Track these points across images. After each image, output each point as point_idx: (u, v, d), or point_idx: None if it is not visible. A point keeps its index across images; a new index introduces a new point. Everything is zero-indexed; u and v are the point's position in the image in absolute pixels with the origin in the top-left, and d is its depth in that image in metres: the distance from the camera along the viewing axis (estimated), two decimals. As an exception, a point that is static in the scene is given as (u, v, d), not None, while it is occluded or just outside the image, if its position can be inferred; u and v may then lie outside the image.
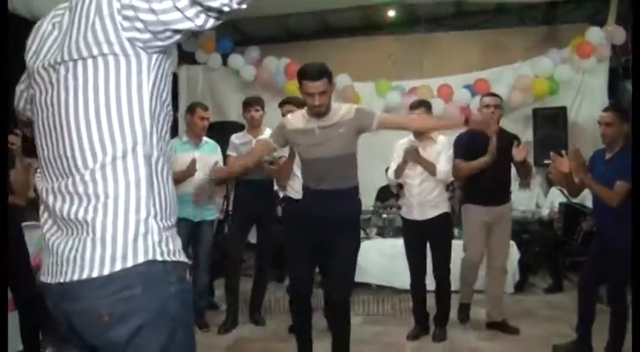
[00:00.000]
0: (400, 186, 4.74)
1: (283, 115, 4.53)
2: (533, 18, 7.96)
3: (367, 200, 6.18)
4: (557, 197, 6.24)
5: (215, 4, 1.19)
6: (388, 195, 6.80)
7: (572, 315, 4.10)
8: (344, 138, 3.31)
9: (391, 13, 7.65)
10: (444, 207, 4.42)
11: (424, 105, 4.45)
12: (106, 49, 1.25)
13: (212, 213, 4.85)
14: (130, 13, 1.23)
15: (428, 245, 4.48)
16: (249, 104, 4.78)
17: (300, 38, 8.43)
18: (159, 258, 1.28)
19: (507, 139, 4.38)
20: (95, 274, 1.23)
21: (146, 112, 1.30)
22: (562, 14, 7.77)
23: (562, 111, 6.93)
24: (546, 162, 5.86)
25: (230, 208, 5.50)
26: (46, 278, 1.33)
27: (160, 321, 1.28)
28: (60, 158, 1.30)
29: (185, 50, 8.15)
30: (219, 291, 5.47)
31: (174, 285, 1.31)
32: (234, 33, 8.17)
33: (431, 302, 4.58)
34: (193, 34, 7.08)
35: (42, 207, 1.39)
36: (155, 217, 1.30)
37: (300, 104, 3.93)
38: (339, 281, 3.37)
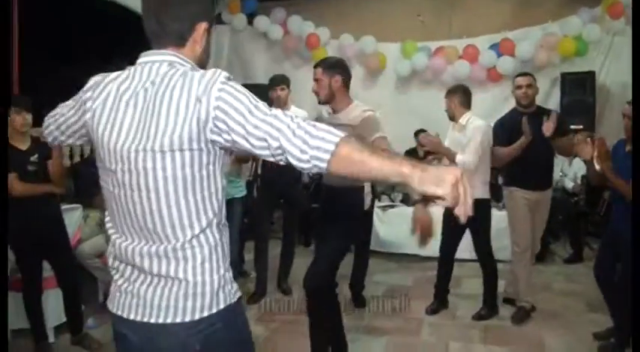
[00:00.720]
0: None
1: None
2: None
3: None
4: (581, 168, 6.21)
5: (296, 163, 1.35)
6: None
7: (589, 289, 4.25)
8: None
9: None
10: (478, 194, 4.22)
11: (460, 90, 4.51)
12: (194, 146, 1.41)
13: (241, 190, 5.01)
14: (222, 126, 1.38)
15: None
16: (274, 83, 4.85)
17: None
18: (233, 300, 1.57)
19: (545, 116, 4.30)
20: (187, 319, 1.49)
21: (220, 191, 1.52)
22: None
23: (590, 76, 6.79)
24: (573, 127, 5.80)
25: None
26: (127, 314, 1.53)
27: (237, 346, 1.61)
28: (148, 230, 1.48)
29: (211, 11, 8.14)
30: (248, 256, 5.69)
31: (241, 316, 1.64)
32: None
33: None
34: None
35: (114, 253, 1.58)
36: (227, 270, 1.57)
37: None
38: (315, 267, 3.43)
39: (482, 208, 4.29)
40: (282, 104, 4.82)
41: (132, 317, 1.52)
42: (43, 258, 3.79)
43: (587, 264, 5.59)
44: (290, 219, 5.23)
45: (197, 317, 1.49)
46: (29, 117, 3.59)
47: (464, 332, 4.27)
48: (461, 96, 4.44)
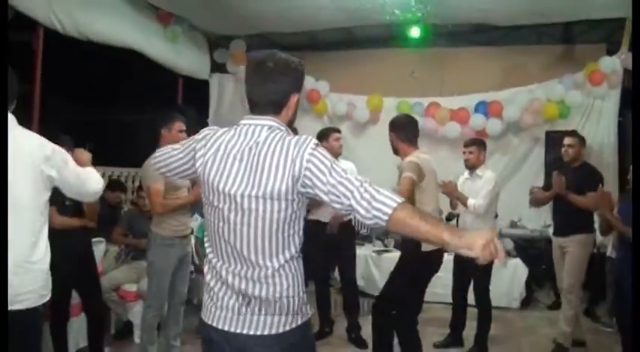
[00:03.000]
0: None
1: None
2: (551, 36, 8.24)
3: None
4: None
5: (361, 219, 1.75)
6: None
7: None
8: None
9: (414, 30, 7.94)
10: None
11: (477, 143, 5.11)
12: (289, 197, 1.80)
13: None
14: (309, 182, 1.77)
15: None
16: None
17: (328, 49, 8.79)
18: (307, 318, 1.96)
19: (587, 174, 4.95)
20: (274, 332, 1.85)
21: (301, 230, 1.91)
22: (579, 34, 8.06)
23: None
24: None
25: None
26: (222, 325, 1.88)
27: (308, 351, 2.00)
28: (244, 257, 1.85)
29: (217, 61, 8.57)
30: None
31: (312, 330, 2.06)
32: (264, 44, 8.42)
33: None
34: (223, 45, 7.52)
35: (211, 273, 1.95)
36: (304, 293, 1.94)
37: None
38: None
39: None
40: (335, 153, 4.98)
41: (226, 328, 1.88)
42: (72, 288, 4.04)
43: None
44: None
45: (281, 330, 1.86)
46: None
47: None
48: (483, 151, 5.03)
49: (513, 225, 7.26)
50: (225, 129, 1.95)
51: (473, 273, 4.88)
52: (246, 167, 1.82)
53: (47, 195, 2.45)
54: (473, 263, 4.39)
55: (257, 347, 1.86)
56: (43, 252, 2.37)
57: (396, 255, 6.49)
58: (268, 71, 1.87)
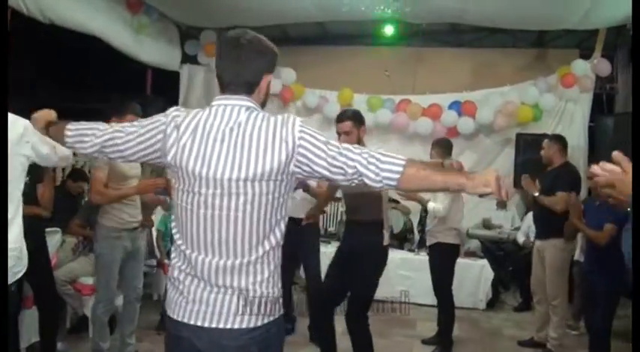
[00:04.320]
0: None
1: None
2: (525, 39, 8.28)
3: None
4: (532, 225, 6.58)
5: (370, 183, 1.71)
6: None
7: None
8: None
9: (388, 28, 7.89)
10: (447, 239, 4.83)
11: (442, 144, 5.01)
12: (277, 177, 1.72)
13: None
14: (304, 160, 1.72)
15: None
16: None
17: (300, 43, 8.63)
18: (282, 311, 1.86)
19: (560, 174, 4.90)
20: (252, 325, 1.75)
21: (285, 218, 1.83)
22: (553, 39, 8.15)
23: (543, 138, 7.24)
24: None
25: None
26: (195, 321, 1.77)
27: (279, 348, 1.89)
28: (227, 245, 1.74)
29: (187, 53, 8.41)
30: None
31: (283, 325, 1.92)
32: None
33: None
34: (195, 37, 7.35)
35: (182, 265, 1.83)
36: (280, 286, 1.85)
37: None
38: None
39: (449, 253, 4.80)
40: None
41: (199, 323, 1.76)
42: (23, 279, 3.86)
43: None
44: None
45: (259, 323, 1.77)
46: None
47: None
48: (441, 147, 4.92)
49: (486, 223, 7.23)
50: (196, 110, 1.83)
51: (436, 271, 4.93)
52: (229, 149, 1.73)
53: (23, 177, 2.53)
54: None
55: (231, 342, 1.75)
56: (17, 233, 2.52)
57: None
58: (243, 49, 1.80)
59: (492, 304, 6.47)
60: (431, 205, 4.70)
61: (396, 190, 1.76)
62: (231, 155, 1.72)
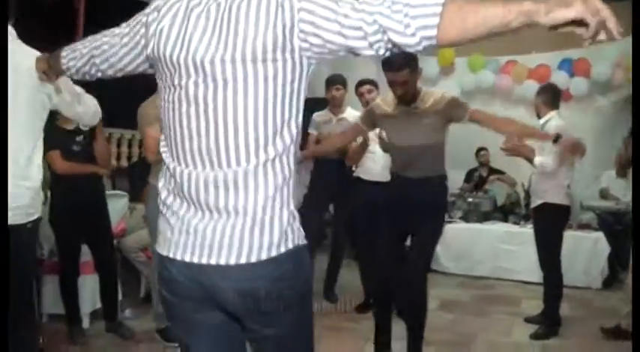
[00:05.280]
0: None
1: (361, 95, 4.50)
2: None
3: (455, 183, 6.12)
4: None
5: (401, 41, 1.18)
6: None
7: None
8: (430, 128, 3.22)
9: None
10: (555, 199, 4.22)
11: (547, 89, 4.40)
12: (279, 56, 1.28)
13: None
14: (309, 27, 1.26)
15: None
16: (330, 83, 4.77)
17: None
18: (302, 241, 1.39)
19: None
20: (254, 259, 1.32)
21: (300, 114, 1.37)
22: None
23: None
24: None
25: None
26: (182, 255, 1.37)
27: (304, 296, 1.45)
28: (217, 150, 1.33)
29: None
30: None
31: (308, 263, 1.45)
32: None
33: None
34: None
35: (169, 186, 1.43)
36: (294, 206, 1.38)
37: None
38: (415, 266, 3.29)
39: (558, 216, 4.18)
40: (337, 104, 4.75)
41: (187, 258, 1.36)
42: (82, 241, 3.72)
43: None
44: (340, 224, 5.00)
45: (264, 256, 1.33)
46: None
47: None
48: (545, 95, 4.28)
49: (603, 192, 6.44)
50: None
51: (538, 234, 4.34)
52: (215, 25, 1.32)
53: (44, 115, 2.35)
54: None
55: (226, 283, 1.34)
56: (35, 172, 2.30)
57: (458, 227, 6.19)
58: None
59: (609, 283, 5.72)
60: (538, 159, 3.97)
61: (439, 46, 1.19)
62: (217, 32, 1.31)
